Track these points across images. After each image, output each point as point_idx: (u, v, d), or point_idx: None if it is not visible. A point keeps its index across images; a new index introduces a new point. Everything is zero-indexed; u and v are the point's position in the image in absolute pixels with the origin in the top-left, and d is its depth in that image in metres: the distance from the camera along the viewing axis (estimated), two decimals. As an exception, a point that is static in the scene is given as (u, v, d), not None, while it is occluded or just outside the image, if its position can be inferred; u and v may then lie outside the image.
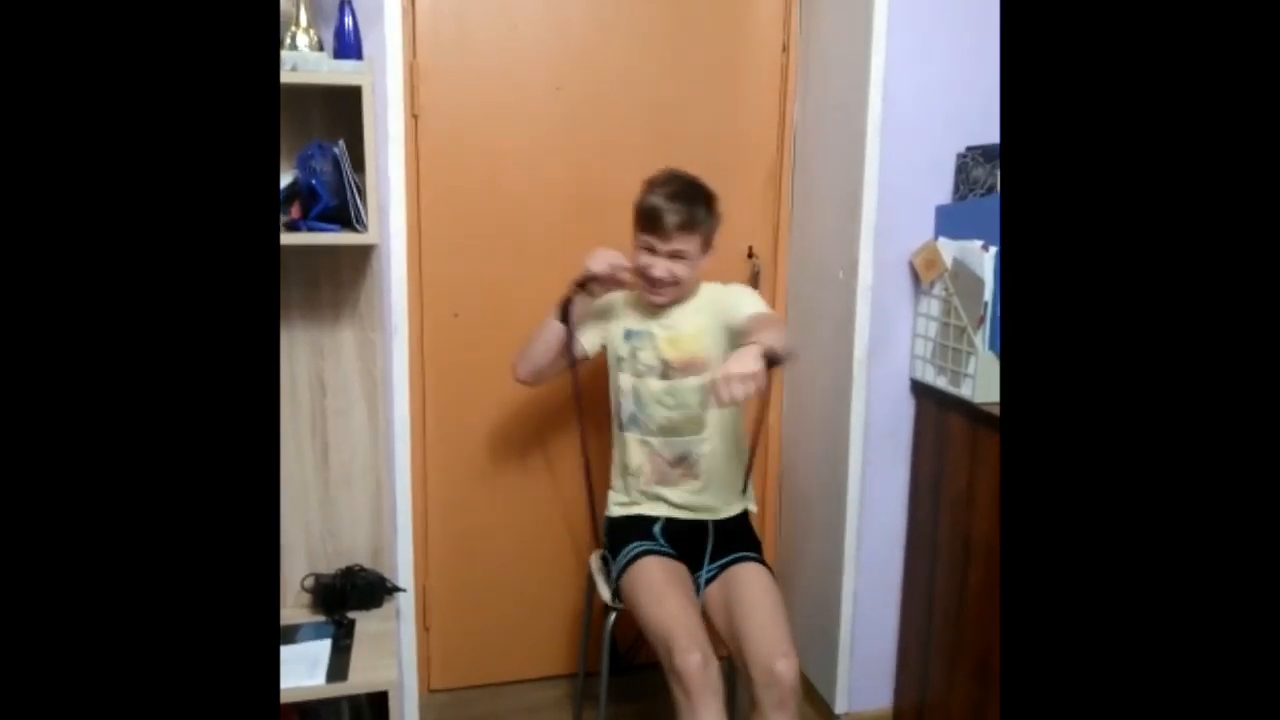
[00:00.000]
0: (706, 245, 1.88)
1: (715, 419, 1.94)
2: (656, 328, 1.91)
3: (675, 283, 1.85)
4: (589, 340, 1.98)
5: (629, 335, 1.93)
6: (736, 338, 1.80)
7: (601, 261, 1.85)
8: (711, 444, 1.95)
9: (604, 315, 1.98)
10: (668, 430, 1.93)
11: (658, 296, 1.87)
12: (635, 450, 1.96)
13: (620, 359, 1.95)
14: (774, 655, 1.68)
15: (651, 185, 1.87)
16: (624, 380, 1.94)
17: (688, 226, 1.81)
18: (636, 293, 1.94)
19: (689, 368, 1.90)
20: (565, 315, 1.92)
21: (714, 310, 1.90)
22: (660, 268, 1.83)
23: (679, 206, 1.81)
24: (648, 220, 1.82)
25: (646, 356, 1.91)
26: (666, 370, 1.90)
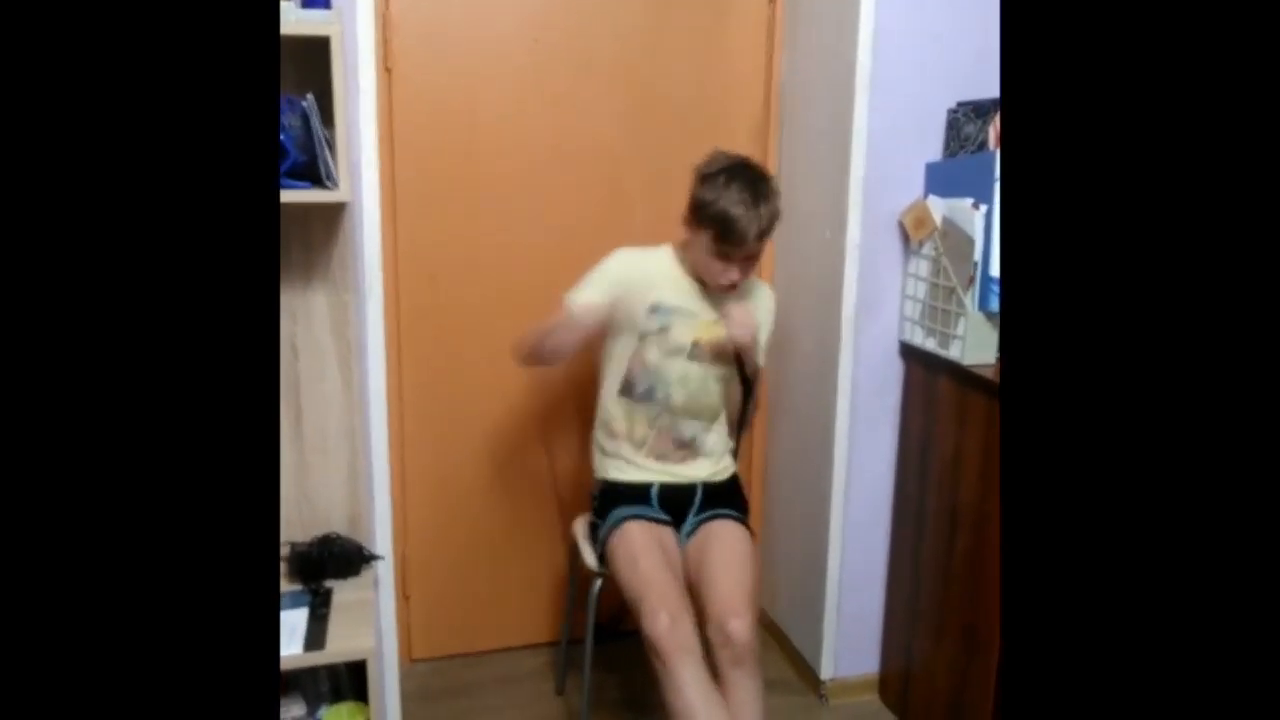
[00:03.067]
0: None
1: (723, 408, 1.94)
2: (700, 307, 1.85)
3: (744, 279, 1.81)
4: (591, 295, 1.80)
5: (657, 309, 1.83)
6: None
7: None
8: (718, 432, 1.95)
9: (628, 279, 1.83)
10: (685, 411, 1.89)
11: (727, 291, 1.81)
12: (643, 423, 1.90)
13: (644, 333, 1.84)
14: (728, 614, 1.68)
15: (715, 182, 1.72)
16: (650, 355, 1.85)
17: (766, 232, 1.74)
18: (684, 269, 1.86)
19: (718, 353, 1.85)
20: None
21: (759, 311, 1.91)
22: (735, 273, 1.76)
23: (756, 215, 1.70)
24: (724, 230, 1.70)
25: (679, 335, 1.84)
26: (694, 351, 1.85)
